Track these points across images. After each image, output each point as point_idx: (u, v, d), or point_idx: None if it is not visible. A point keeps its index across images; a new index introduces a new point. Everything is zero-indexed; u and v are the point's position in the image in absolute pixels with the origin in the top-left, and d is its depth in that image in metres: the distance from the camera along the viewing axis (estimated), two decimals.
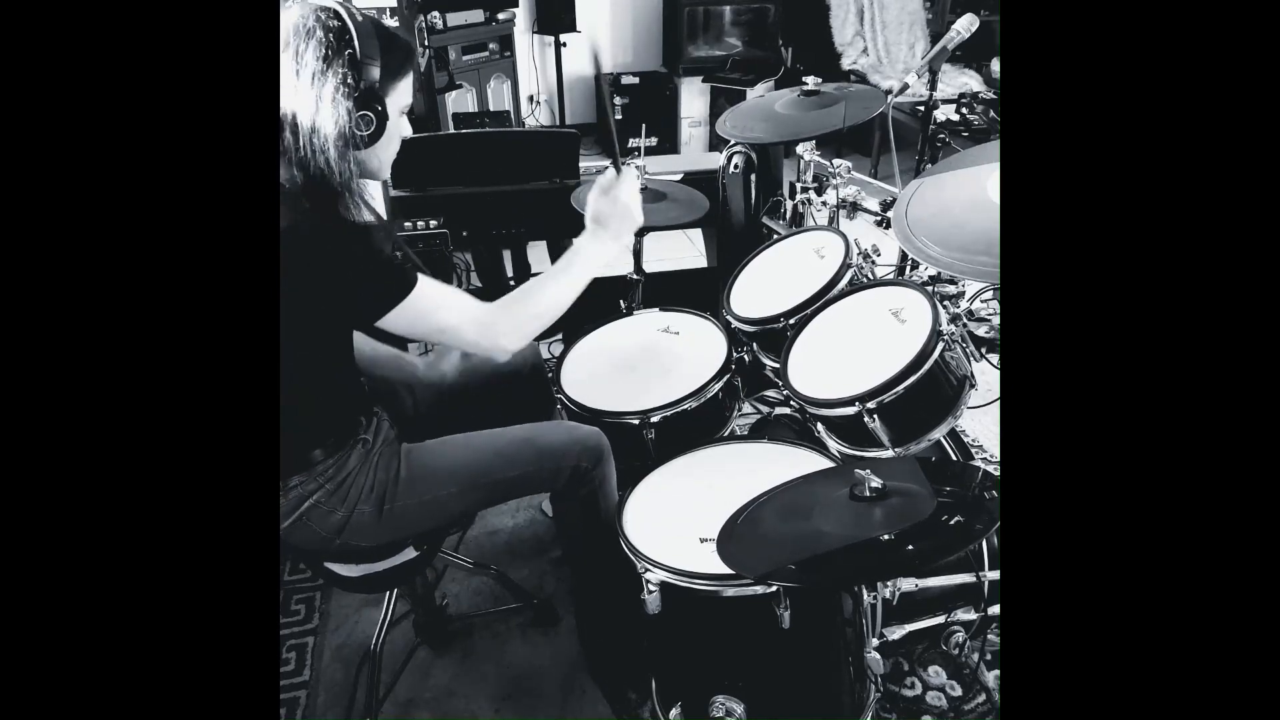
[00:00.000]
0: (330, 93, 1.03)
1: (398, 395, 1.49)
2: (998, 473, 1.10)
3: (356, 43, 1.04)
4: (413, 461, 1.30)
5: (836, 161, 1.87)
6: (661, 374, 1.63)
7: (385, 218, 2.12)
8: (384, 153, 1.17)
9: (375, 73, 1.06)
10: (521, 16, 4.53)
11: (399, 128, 1.17)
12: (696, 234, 3.32)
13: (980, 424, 2.33)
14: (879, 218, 1.79)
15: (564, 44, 4.66)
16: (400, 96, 1.14)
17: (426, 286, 1.14)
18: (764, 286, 1.77)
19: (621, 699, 1.51)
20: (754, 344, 1.70)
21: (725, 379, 1.58)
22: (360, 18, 1.06)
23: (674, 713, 1.26)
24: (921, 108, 2.03)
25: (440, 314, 1.16)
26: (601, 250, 1.33)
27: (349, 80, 1.04)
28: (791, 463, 1.37)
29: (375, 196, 1.22)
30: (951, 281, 1.61)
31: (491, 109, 4.24)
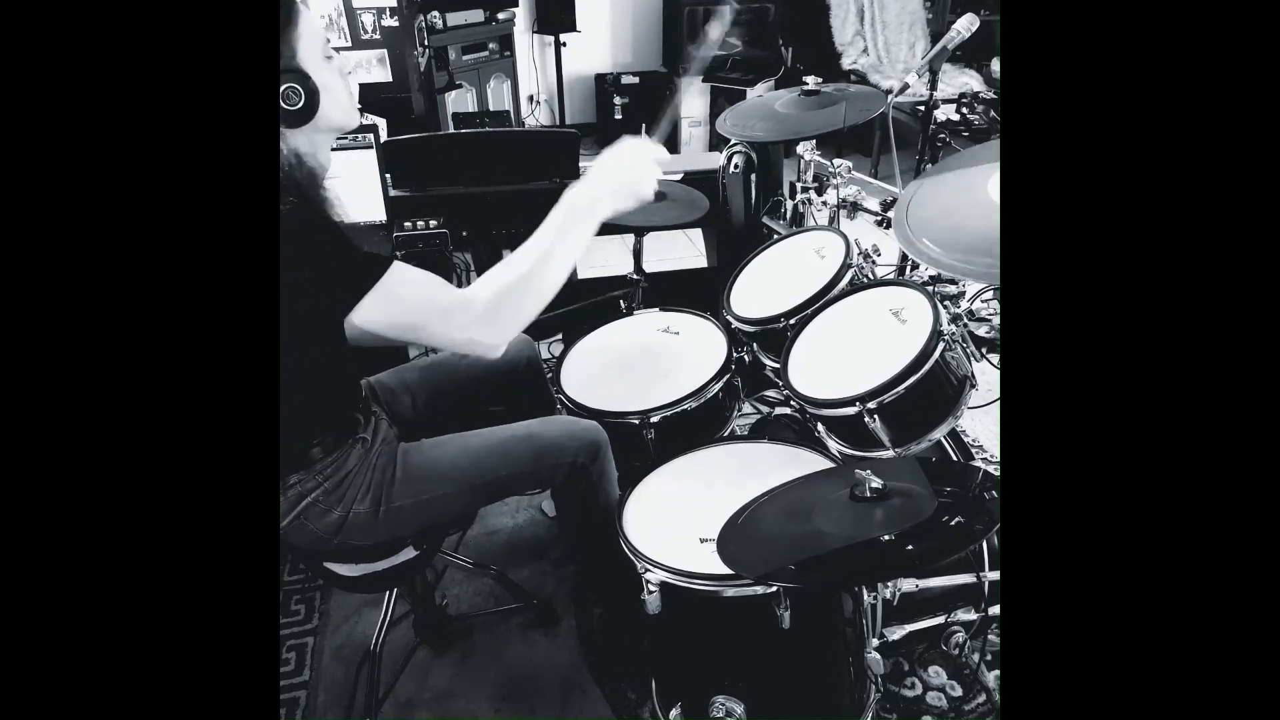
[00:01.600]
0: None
1: (397, 396, 1.49)
2: (998, 473, 1.10)
3: None
4: (409, 461, 1.30)
5: (837, 161, 1.87)
6: (661, 374, 1.63)
7: (384, 217, 2.13)
8: (336, 105, 1.08)
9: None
10: (521, 16, 4.53)
11: (333, 70, 1.08)
12: (696, 234, 3.32)
13: (980, 424, 2.33)
14: (879, 218, 1.79)
15: (564, 44, 4.66)
16: (310, 43, 1.04)
17: (401, 272, 1.05)
18: (764, 286, 1.77)
19: (621, 699, 1.51)
20: (754, 344, 1.70)
21: (725, 379, 1.58)
22: None
23: (674, 713, 1.26)
24: (922, 108, 2.03)
25: (416, 307, 1.06)
26: (590, 195, 1.16)
27: None
28: (791, 463, 1.37)
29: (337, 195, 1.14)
30: (952, 281, 1.61)
31: (491, 109, 4.24)
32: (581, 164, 2.32)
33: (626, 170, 1.18)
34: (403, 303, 1.06)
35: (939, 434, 1.37)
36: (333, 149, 1.18)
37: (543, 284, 1.12)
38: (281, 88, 0.98)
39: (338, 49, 1.14)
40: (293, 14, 1.02)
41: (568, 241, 1.14)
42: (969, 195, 1.36)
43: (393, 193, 2.19)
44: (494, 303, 1.10)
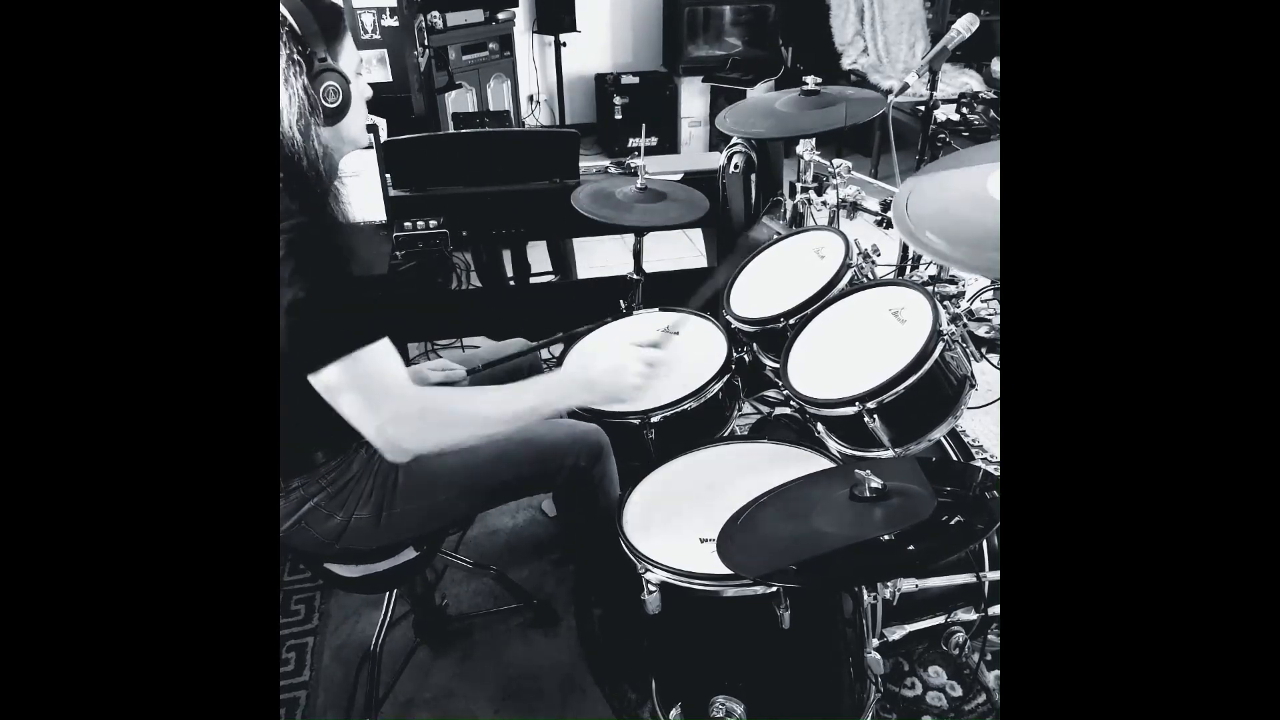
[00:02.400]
0: (280, 74, 1.01)
1: None
2: (998, 473, 1.10)
3: (291, 18, 1.02)
4: (411, 467, 1.30)
5: (836, 161, 1.87)
6: (661, 374, 1.63)
7: (384, 219, 2.13)
8: (354, 119, 1.14)
9: (319, 42, 1.04)
10: (521, 16, 4.53)
11: (359, 90, 1.15)
12: (696, 234, 3.32)
13: (980, 424, 2.33)
14: (879, 218, 1.79)
15: (564, 44, 4.66)
16: (348, 57, 1.11)
17: (380, 348, 1.03)
18: (764, 286, 1.76)
19: (621, 699, 1.51)
20: (754, 344, 1.70)
21: (725, 379, 1.58)
22: None
23: (674, 713, 1.26)
24: (922, 107, 2.03)
25: (365, 398, 1.03)
26: (573, 384, 1.22)
27: (295, 56, 1.02)
28: (791, 463, 1.37)
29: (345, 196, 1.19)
30: (952, 281, 1.61)
31: (491, 109, 4.24)
32: (581, 164, 2.32)
33: (614, 373, 1.22)
34: (370, 380, 1.03)
35: (939, 434, 1.37)
36: None
37: (477, 431, 1.14)
38: (323, 85, 1.04)
39: None
40: (340, 29, 1.10)
41: (535, 413, 1.17)
42: (969, 194, 1.36)
43: (393, 193, 2.19)
44: (428, 414, 1.08)
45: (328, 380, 1.02)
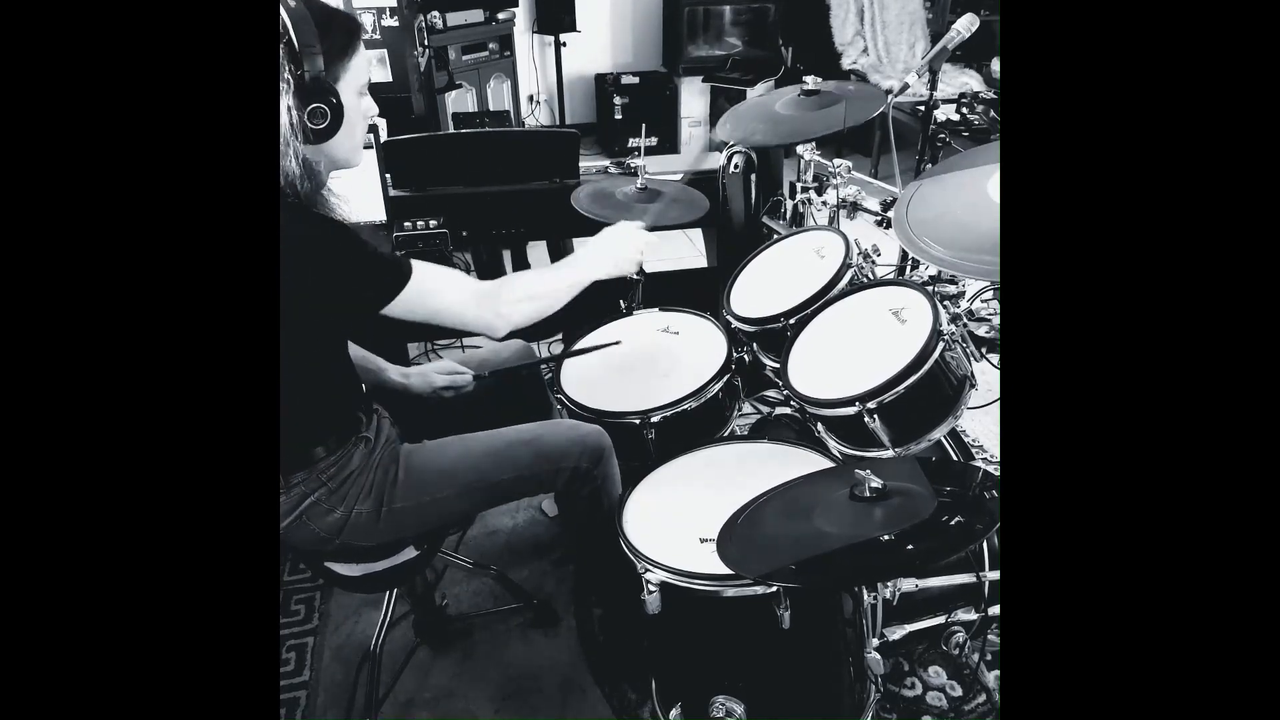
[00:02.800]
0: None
1: (400, 395, 1.49)
2: (998, 473, 1.10)
3: (292, 33, 0.99)
4: (411, 463, 1.30)
5: (836, 161, 1.87)
6: (661, 374, 1.63)
7: (383, 218, 2.13)
8: (350, 139, 1.13)
9: (317, 61, 1.02)
10: (521, 16, 4.53)
11: (361, 109, 1.14)
12: (696, 234, 3.32)
13: (980, 424, 2.33)
14: (879, 218, 1.79)
15: (564, 44, 4.66)
16: (354, 77, 1.10)
17: (423, 271, 1.16)
18: (764, 286, 1.76)
19: (621, 699, 1.51)
20: (754, 344, 1.70)
21: (725, 379, 1.58)
22: (294, 3, 1.01)
23: (674, 713, 1.26)
24: (921, 107, 2.03)
25: (440, 296, 1.18)
26: (604, 251, 1.40)
27: (286, 74, 1.00)
28: (791, 463, 1.37)
29: (342, 196, 1.20)
30: (952, 281, 1.61)
31: (491, 109, 4.24)
32: (582, 164, 2.32)
33: (621, 242, 1.43)
34: (425, 301, 1.17)
35: (939, 434, 1.37)
36: None
37: (556, 303, 1.32)
38: (311, 105, 1.03)
39: None
40: (349, 47, 1.09)
41: (576, 283, 1.34)
42: (970, 196, 1.36)
43: (393, 193, 2.19)
44: (519, 304, 1.26)
45: (406, 312, 1.14)
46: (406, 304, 1.14)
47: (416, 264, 1.15)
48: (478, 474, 1.32)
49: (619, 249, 1.42)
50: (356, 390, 1.34)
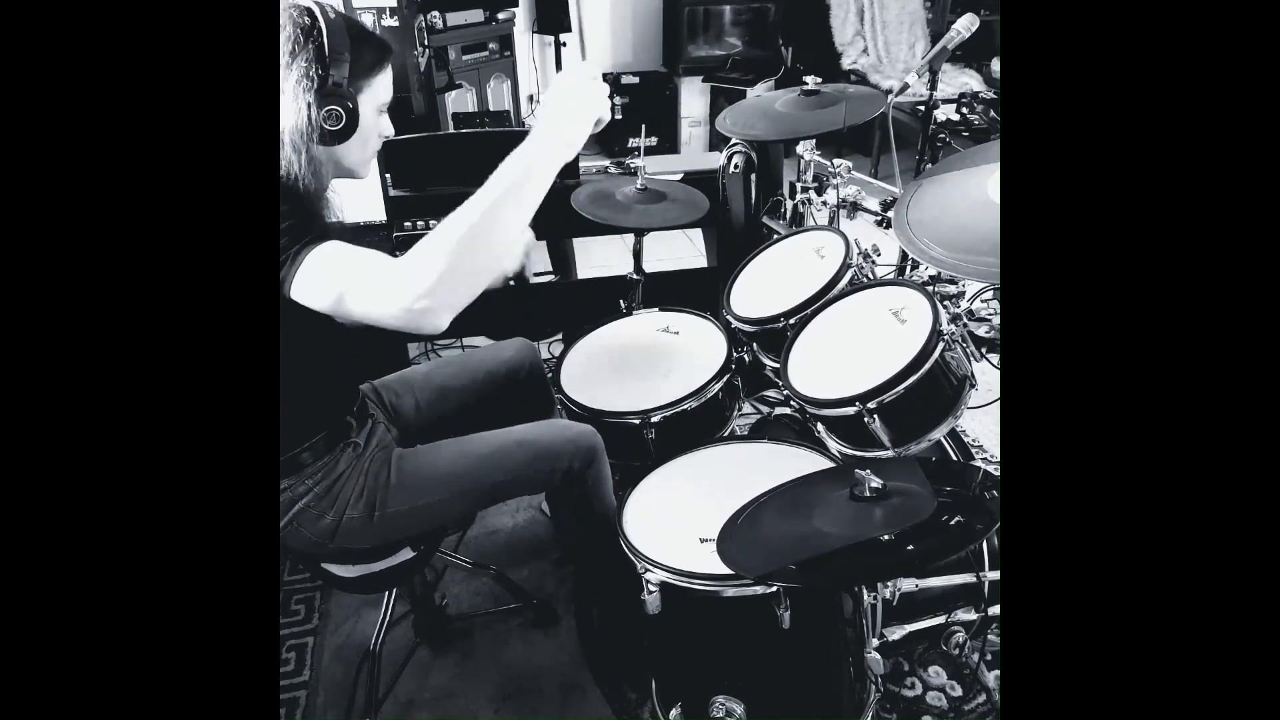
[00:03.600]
0: (291, 86, 1.03)
1: (401, 397, 1.49)
2: (998, 473, 1.10)
3: (325, 38, 1.04)
4: (403, 467, 1.30)
5: (836, 161, 1.87)
6: (661, 374, 1.63)
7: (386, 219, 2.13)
8: (359, 151, 1.16)
9: (344, 69, 1.06)
10: (521, 16, 4.52)
11: (378, 126, 1.17)
12: (696, 234, 3.32)
13: (980, 424, 2.33)
14: (879, 218, 1.79)
15: (564, 44, 4.66)
16: (376, 94, 1.14)
17: (334, 244, 0.98)
18: (764, 286, 1.76)
19: (621, 699, 1.51)
20: (754, 344, 1.70)
21: (725, 379, 1.58)
22: (333, 15, 1.06)
23: (674, 713, 1.26)
24: (921, 108, 2.03)
25: (341, 269, 0.96)
26: (550, 125, 1.04)
27: (311, 74, 1.03)
28: (791, 463, 1.37)
29: (339, 194, 1.21)
30: (951, 281, 1.60)
31: (491, 109, 4.24)
32: (581, 164, 2.32)
33: (579, 96, 1.06)
34: (329, 273, 0.96)
35: (939, 434, 1.37)
36: None
37: (493, 236, 0.97)
38: (327, 107, 1.06)
39: None
40: (376, 65, 1.12)
41: (533, 179, 1.01)
42: (969, 196, 1.36)
43: (393, 193, 2.19)
44: (430, 265, 0.94)
45: (308, 288, 0.95)
46: (311, 272, 0.95)
47: (335, 241, 0.99)
48: (470, 476, 1.32)
49: (568, 115, 1.05)
50: (348, 396, 1.34)
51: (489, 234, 0.97)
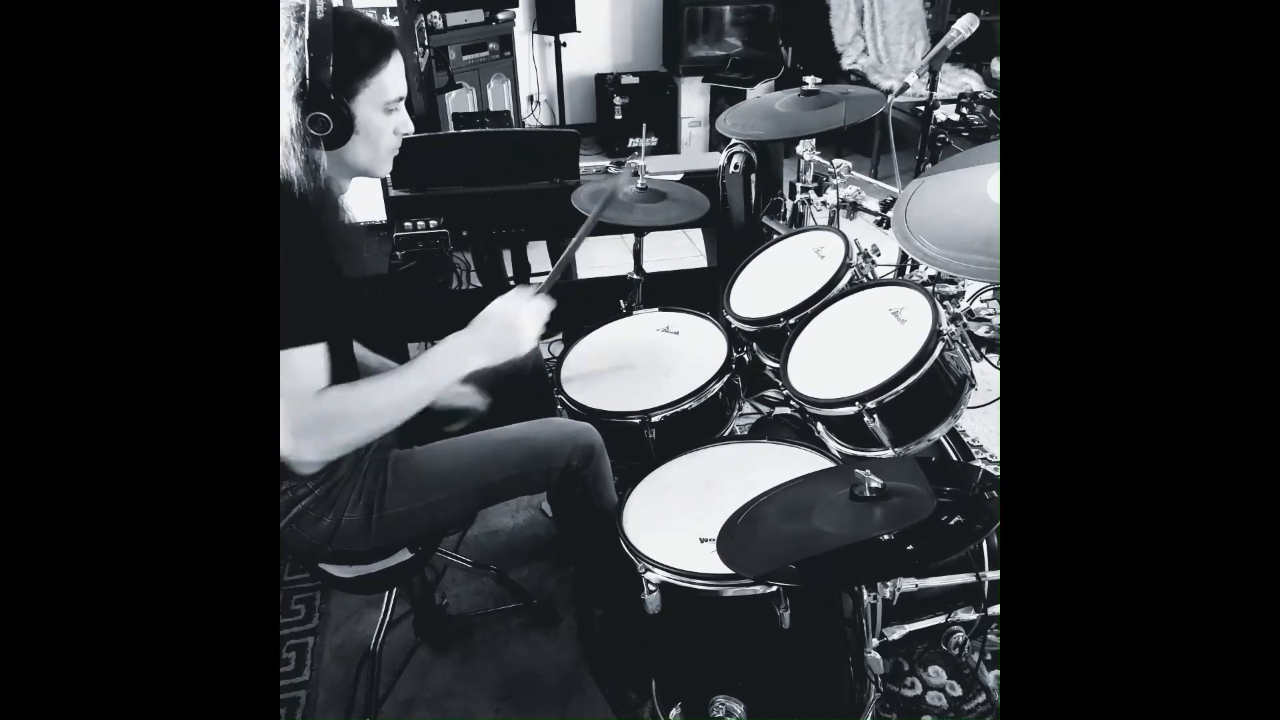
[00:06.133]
0: (281, 90, 1.01)
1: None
2: (998, 473, 1.10)
3: (306, 42, 1.01)
4: (401, 468, 1.30)
5: (836, 161, 1.87)
6: (662, 374, 1.63)
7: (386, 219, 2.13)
8: (368, 151, 1.14)
9: (325, 71, 1.03)
10: (521, 16, 4.53)
11: (388, 123, 1.14)
12: (696, 234, 3.32)
13: (980, 424, 2.33)
14: (879, 218, 1.79)
15: (564, 44, 4.67)
16: (377, 92, 1.11)
17: (313, 350, 1.05)
18: (764, 286, 1.77)
19: (621, 699, 1.51)
20: (754, 344, 1.70)
21: (725, 379, 1.58)
22: (322, 14, 1.03)
23: (674, 713, 1.26)
24: (921, 108, 2.03)
25: (292, 375, 1.03)
26: (465, 349, 1.20)
27: (290, 79, 1.01)
28: (791, 463, 1.37)
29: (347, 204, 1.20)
30: (951, 281, 1.61)
31: (491, 109, 4.24)
32: (582, 164, 2.32)
33: (509, 330, 1.22)
34: (290, 373, 1.04)
35: (939, 434, 1.37)
36: None
37: (382, 423, 1.14)
38: (313, 113, 1.04)
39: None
40: (376, 64, 1.10)
41: (430, 388, 1.17)
42: (968, 195, 1.36)
43: (393, 193, 2.20)
44: (324, 422, 1.08)
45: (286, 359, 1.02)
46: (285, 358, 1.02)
47: (317, 346, 1.06)
48: (469, 476, 1.31)
49: (500, 334, 1.21)
50: None
51: (388, 424, 1.15)
